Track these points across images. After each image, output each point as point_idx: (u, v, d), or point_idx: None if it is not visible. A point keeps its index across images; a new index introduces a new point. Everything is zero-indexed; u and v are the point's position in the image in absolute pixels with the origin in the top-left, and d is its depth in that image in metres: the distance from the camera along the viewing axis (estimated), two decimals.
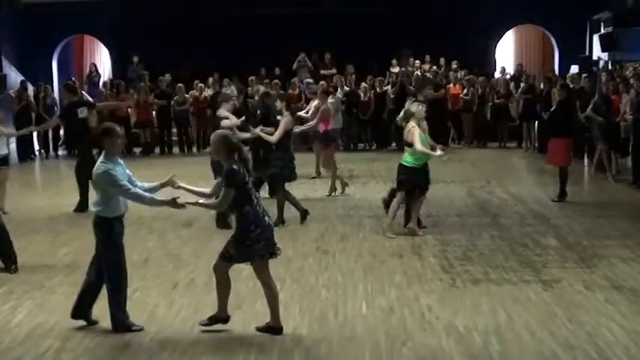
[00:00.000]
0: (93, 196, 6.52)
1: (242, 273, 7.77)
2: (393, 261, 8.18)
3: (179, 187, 6.10)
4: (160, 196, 6.25)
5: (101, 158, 6.03)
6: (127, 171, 6.17)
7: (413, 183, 9.20)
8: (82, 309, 6.24)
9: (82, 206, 10.89)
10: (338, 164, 13.25)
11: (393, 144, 18.65)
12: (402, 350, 5.68)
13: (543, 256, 8.27)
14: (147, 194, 6.10)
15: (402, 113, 9.48)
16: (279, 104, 11.35)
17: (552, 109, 11.74)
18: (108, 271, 6.10)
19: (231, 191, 5.77)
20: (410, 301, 6.78)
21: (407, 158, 9.19)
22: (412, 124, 9.09)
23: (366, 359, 5.56)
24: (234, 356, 5.65)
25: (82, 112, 11.43)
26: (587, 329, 6.02)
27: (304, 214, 10.04)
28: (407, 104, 9.53)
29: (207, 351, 5.74)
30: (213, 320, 6.13)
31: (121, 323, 6.11)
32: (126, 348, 5.83)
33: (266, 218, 5.94)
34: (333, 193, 12.10)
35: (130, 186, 6.00)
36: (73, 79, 19.99)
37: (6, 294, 7.20)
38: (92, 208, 6.19)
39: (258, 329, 6.06)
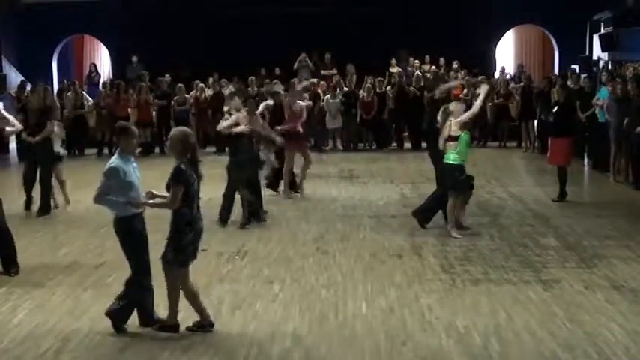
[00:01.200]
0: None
1: (242, 273, 7.80)
2: (393, 261, 8.18)
3: (145, 205, 6.08)
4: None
5: (115, 155, 6.05)
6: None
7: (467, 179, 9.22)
8: (146, 315, 6.21)
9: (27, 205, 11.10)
10: (336, 164, 13.25)
11: (394, 144, 18.66)
12: (402, 350, 5.68)
13: (543, 256, 8.27)
14: (114, 200, 5.98)
15: (440, 113, 9.22)
16: (237, 101, 10.94)
17: (554, 109, 11.71)
18: (133, 269, 6.08)
19: (180, 188, 5.80)
20: (410, 301, 6.78)
21: (451, 156, 9.02)
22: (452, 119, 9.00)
23: (366, 359, 5.57)
24: (234, 356, 5.65)
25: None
26: (587, 329, 6.02)
27: (247, 221, 9.87)
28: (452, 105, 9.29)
29: (207, 351, 5.74)
30: (162, 327, 6.07)
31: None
32: (126, 348, 5.83)
33: (200, 223, 6.02)
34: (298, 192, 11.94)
35: (106, 195, 5.94)
36: (72, 80, 20.09)
37: (6, 294, 7.20)
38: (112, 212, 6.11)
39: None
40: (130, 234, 6.01)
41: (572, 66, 20.05)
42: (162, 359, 5.62)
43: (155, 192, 6.10)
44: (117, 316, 6.11)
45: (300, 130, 11.86)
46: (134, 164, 6.11)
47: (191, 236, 5.91)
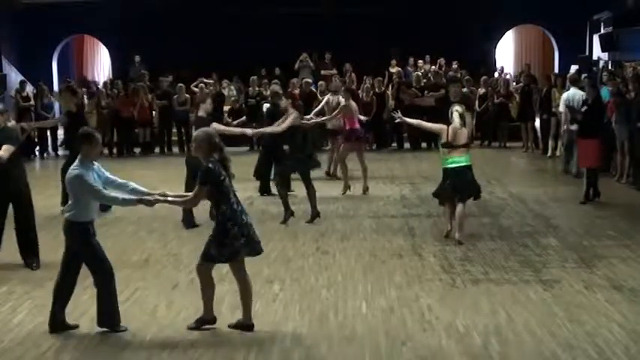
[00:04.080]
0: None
1: None
2: (393, 261, 8.18)
3: (162, 202, 6.09)
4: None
5: (75, 163, 6.00)
6: (106, 173, 6.13)
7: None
8: (59, 319, 6.18)
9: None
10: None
11: (394, 144, 18.65)
12: (402, 350, 5.69)
13: (543, 256, 8.27)
14: (120, 195, 6.04)
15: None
16: (283, 102, 11.28)
17: (584, 109, 11.54)
18: (96, 272, 6.09)
19: (203, 189, 5.82)
20: (410, 301, 6.78)
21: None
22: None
23: (366, 359, 5.57)
24: (234, 356, 5.65)
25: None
26: (587, 329, 6.03)
27: (288, 215, 10.07)
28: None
29: (207, 351, 5.74)
30: (200, 322, 6.15)
31: (115, 321, 6.13)
32: (126, 348, 5.83)
33: (244, 217, 5.98)
34: (347, 191, 12.10)
35: (102, 190, 5.96)
36: (71, 80, 20.11)
37: (6, 294, 7.21)
38: (64, 214, 6.11)
39: (230, 326, 6.12)
40: (86, 238, 6.00)
41: (573, 66, 20.04)
42: (162, 359, 5.63)
43: (169, 192, 6.15)
44: (109, 321, 6.12)
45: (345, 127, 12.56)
46: (94, 166, 6.06)
47: (235, 230, 5.88)
